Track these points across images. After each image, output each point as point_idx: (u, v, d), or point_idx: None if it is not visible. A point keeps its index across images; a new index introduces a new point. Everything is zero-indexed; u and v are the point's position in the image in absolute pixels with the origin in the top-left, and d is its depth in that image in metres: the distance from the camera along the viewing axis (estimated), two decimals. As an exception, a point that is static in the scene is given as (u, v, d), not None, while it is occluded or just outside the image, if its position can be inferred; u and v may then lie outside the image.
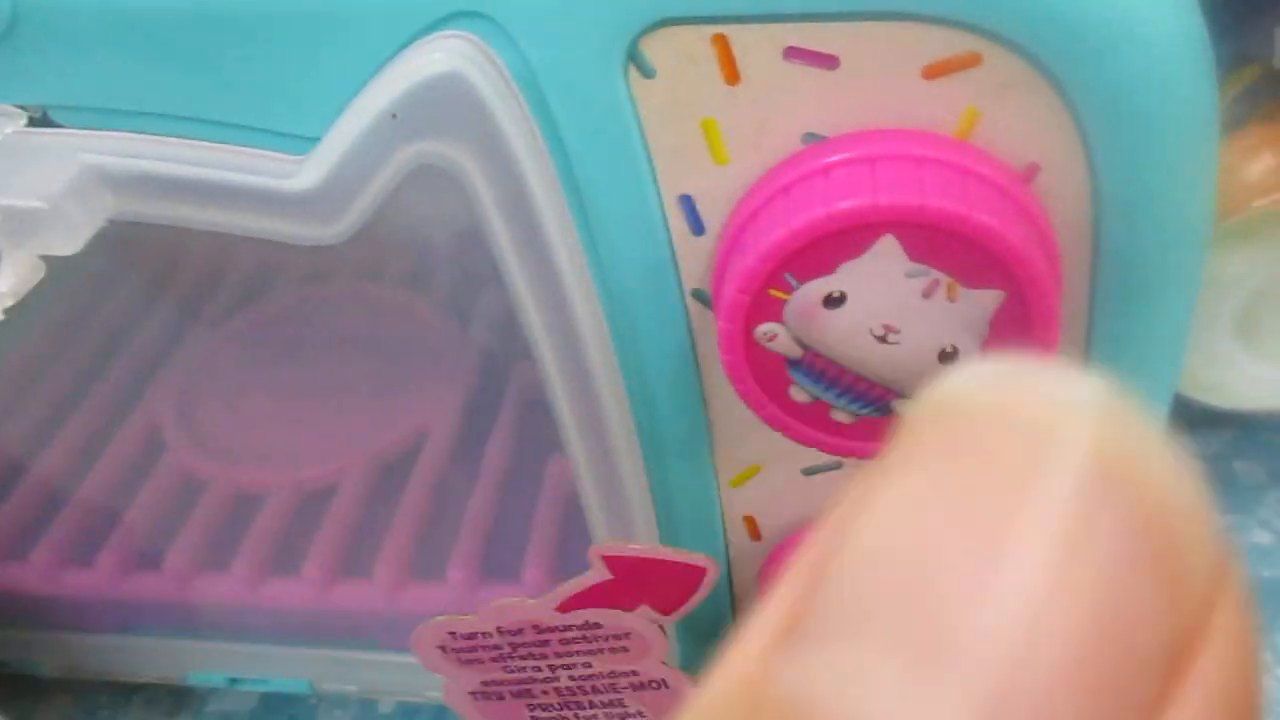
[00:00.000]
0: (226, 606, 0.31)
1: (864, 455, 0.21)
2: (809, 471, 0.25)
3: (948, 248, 0.18)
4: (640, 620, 0.21)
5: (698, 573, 0.20)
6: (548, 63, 0.19)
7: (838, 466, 0.24)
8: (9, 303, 0.20)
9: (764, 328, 0.20)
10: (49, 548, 0.32)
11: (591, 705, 0.23)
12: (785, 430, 0.21)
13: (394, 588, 0.30)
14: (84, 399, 0.36)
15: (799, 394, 0.20)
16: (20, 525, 0.33)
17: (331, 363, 0.37)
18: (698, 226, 0.21)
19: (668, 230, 0.21)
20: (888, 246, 0.19)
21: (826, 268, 0.19)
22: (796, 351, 0.20)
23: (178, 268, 0.40)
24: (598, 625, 0.21)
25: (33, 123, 0.21)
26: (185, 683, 0.33)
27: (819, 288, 0.19)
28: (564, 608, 0.21)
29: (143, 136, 0.20)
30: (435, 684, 0.31)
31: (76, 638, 0.33)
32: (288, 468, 0.33)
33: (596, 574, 0.20)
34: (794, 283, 0.19)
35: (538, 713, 0.24)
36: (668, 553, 0.19)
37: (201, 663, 0.33)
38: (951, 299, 0.19)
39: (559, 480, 0.31)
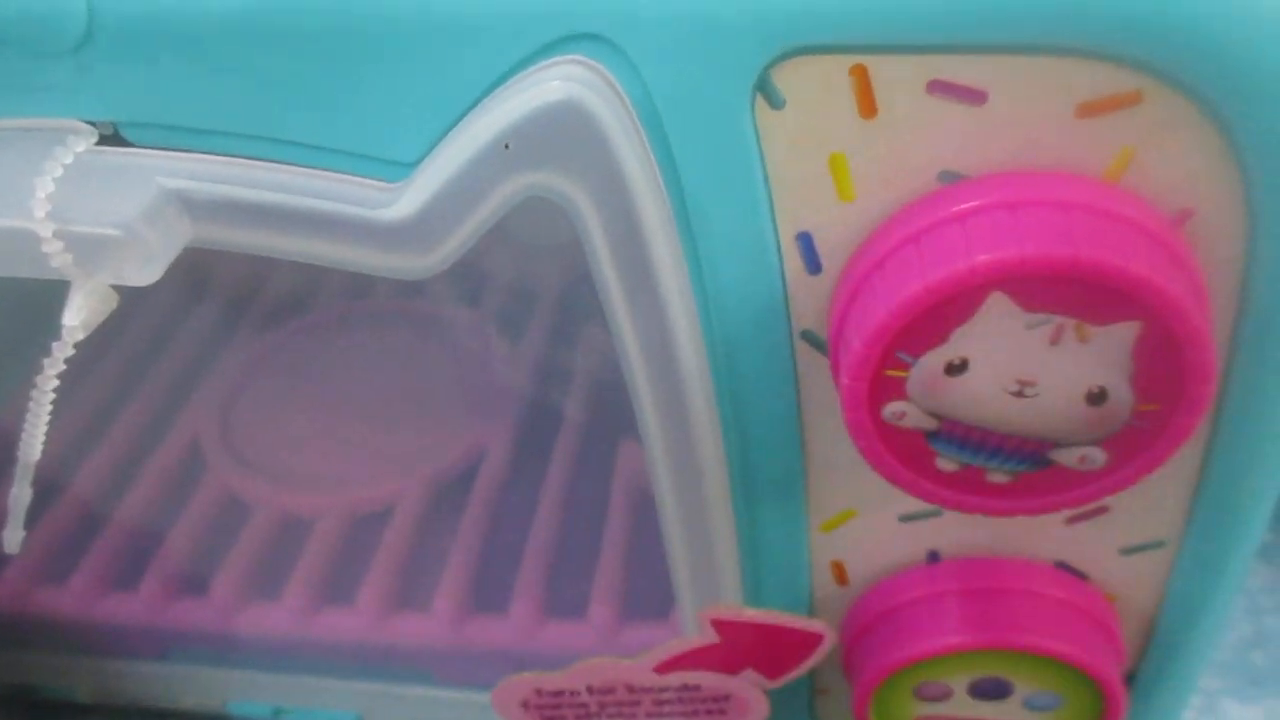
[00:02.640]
0: (274, 636, 0.30)
1: (1035, 513, 0.19)
2: (906, 518, 0.23)
3: (1060, 292, 0.17)
4: (743, 683, 0.19)
5: (813, 640, 0.18)
6: (670, 91, 0.17)
7: (937, 513, 0.23)
8: (80, 336, 0.18)
9: (891, 408, 0.18)
10: (88, 571, 0.31)
11: (678, 766, 0.22)
12: (943, 503, 0.19)
13: (455, 620, 0.28)
14: (117, 415, 0.35)
15: (947, 464, 0.19)
16: (57, 547, 0.31)
17: (376, 379, 0.36)
18: (814, 265, 0.19)
19: (782, 269, 0.19)
20: (998, 304, 0.17)
21: (938, 339, 0.18)
22: (932, 424, 0.19)
23: (213, 276, 0.39)
24: (696, 687, 0.20)
25: (103, 140, 0.19)
26: (224, 711, 0.32)
27: (936, 358, 0.18)
28: (662, 669, 0.19)
29: (224, 159, 0.19)
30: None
31: (114, 663, 0.32)
32: (338, 490, 0.32)
33: (702, 637, 0.19)
34: (908, 359, 0.18)
35: (618, 769, 0.22)
36: (781, 619, 0.18)
37: (244, 692, 0.31)
38: (1082, 340, 0.18)
39: (623, 509, 0.30)
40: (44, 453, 0.32)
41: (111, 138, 0.20)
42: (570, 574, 0.29)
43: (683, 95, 0.17)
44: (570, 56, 0.17)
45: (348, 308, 0.38)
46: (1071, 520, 0.23)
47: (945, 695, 0.24)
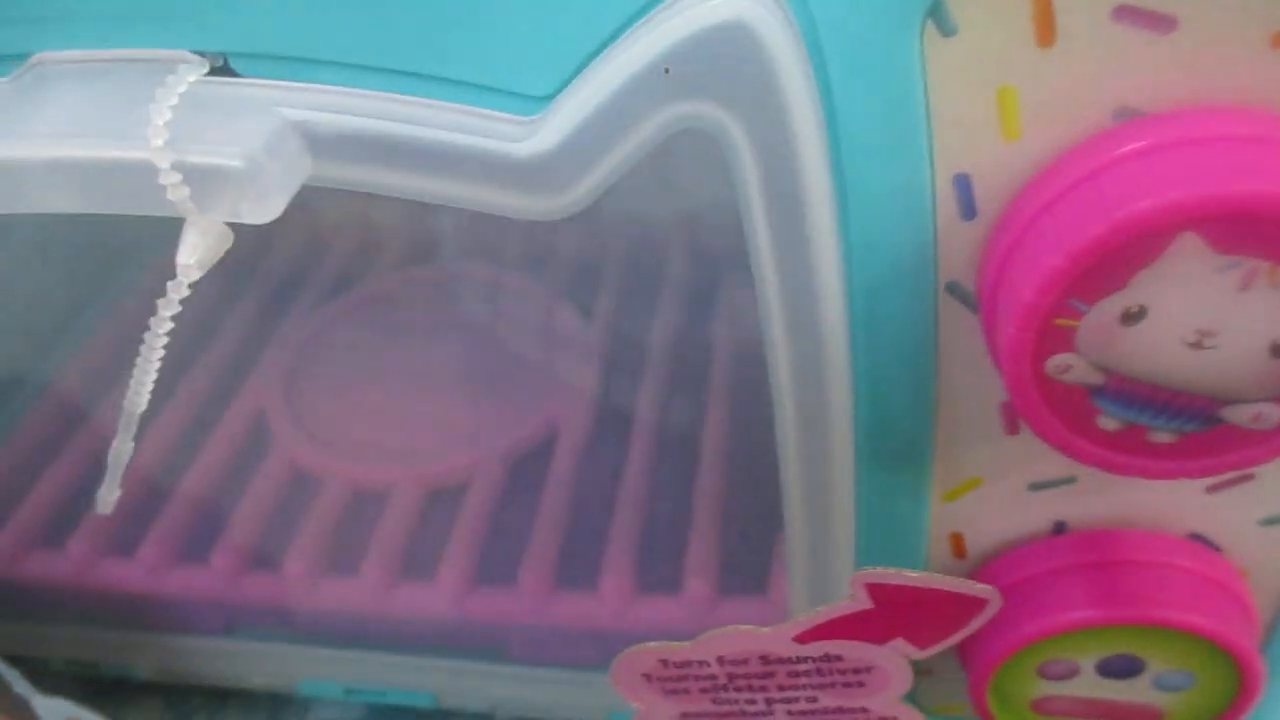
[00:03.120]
0: (349, 612, 0.29)
1: (1197, 475, 0.18)
2: (1036, 486, 0.22)
3: (1261, 232, 0.16)
4: (888, 653, 0.18)
5: (976, 605, 0.17)
6: (835, 14, 0.16)
7: (1070, 481, 0.22)
8: (195, 276, 0.17)
9: (1055, 360, 0.17)
10: (154, 544, 0.29)
11: (803, 741, 0.21)
12: (1099, 464, 0.18)
13: (540, 597, 0.27)
14: (178, 386, 0.34)
15: (1108, 422, 0.18)
16: (123, 519, 0.30)
17: (440, 350, 0.35)
18: (969, 211, 0.18)
19: (934, 213, 0.18)
20: (1188, 245, 0.16)
21: (1118, 284, 0.17)
22: (1098, 378, 0.17)
23: (272, 243, 0.38)
24: (838, 658, 0.19)
25: (214, 72, 0.18)
26: (294, 691, 0.31)
27: (1113, 306, 0.17)
28: (804, 638, 0.18)
29: (345, 90, 0.18)
30: (579, 705, 0.29)
31: (178, 640, 0.30)
32: (410, 464, 0.31)
33: (855, 603, 0.17)
34: (1082, 307, 0.17)
35: (738, 748, 0.21)
36: (943, 582, 0.17)
37: (314, 670, 0.30)
38: (1275, 285, 0.16)
39: (711, 482, 0.29)
40: (104, 420, 0.31)
41: (222, 69, 0.18)
42: (660, 549, 0.28)
43: (849, 19, 0.16)
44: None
45: (409, 276, 0.37)
46: (1212, 489, 0.22)
47: (1071, 674, 0.23)
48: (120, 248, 0.35)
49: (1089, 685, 0.23)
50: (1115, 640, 0.22)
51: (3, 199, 0.18)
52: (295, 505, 0.30)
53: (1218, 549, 0.23)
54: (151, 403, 0.33)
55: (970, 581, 0.17)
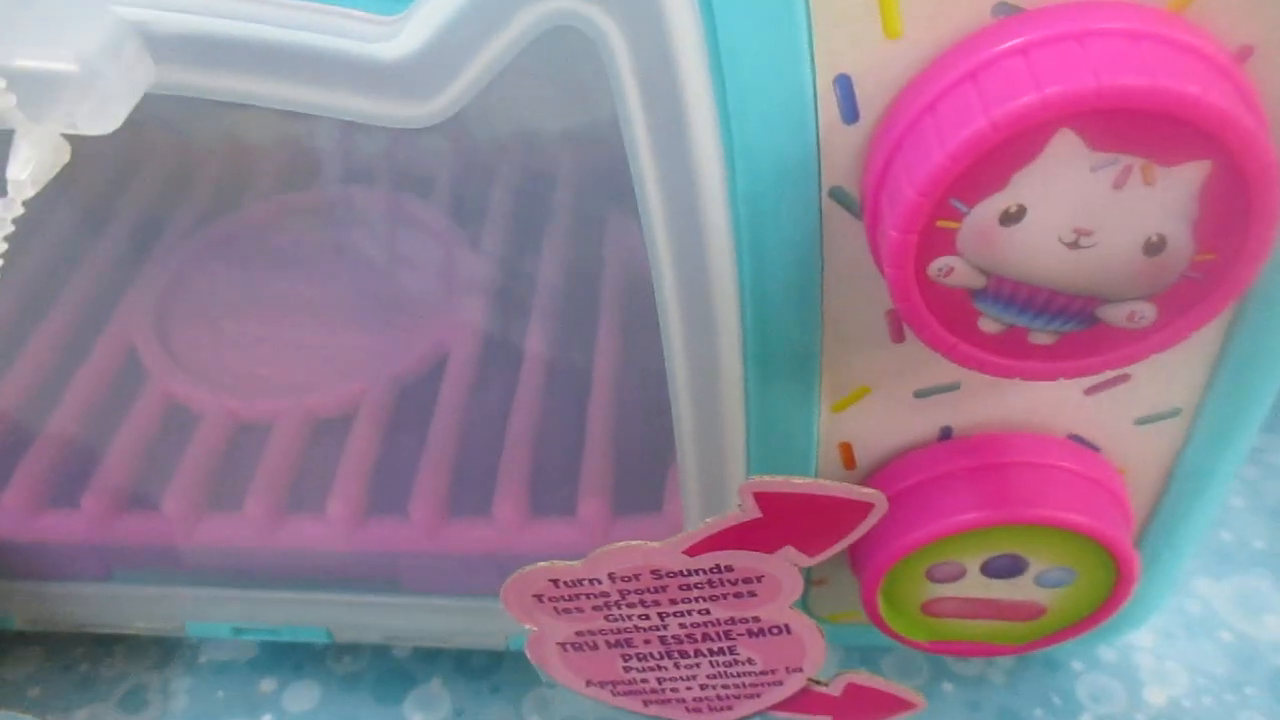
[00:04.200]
0: (235, 549, 0.28)
1: (1076, 374, 0.18)
2: (922, 394, 0.23)
3: (1137, 128, 0.16)
4: (778, 562, 0.18)
5: (862, 509, 0.17)
6: (707, -96, 0.16)
7: (954, 387, 0.22)
8: (29, 193, 0.16)
9: (938, 263, 0.17)
10: (21, 488, 0.28)
11: (697, 654, 0.21)
12: (981, 367, 0.18)
13: (432, 525, 0.27)
14: (44, 321, 0.32)
15: (989, 325, 0.18)
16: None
17: (319, 279, 0.33)
18: (851, 113, 0.18)
19: (816, 117, 0.18)
20: (1065, 143, 0.16)
21: (997, 184, 0.16)
22: (979, 280, 0.17)
23: (139, 166, 0.36)
24: (729, 569, 0.19)
25: (41, -31, 0.17)
26: (183, 634, 0.30)
27: (992, 207, 0.17)
28: (694, 550, 0.18)
29: (189, -11, 0.17)
30: (477, 631, 0.28)
31: (54, 587, 0.29)
32: (292, 395, 0.30)
33: (743, 513, 0.17)
34: (963, 208, 0.17)
35: (633, 663, 0.21)
36: (832, 488, 0.17)
37: (201, 612, 0.29)
38: (1148, 183, 0.17)
39: (603, 405, 0.29)
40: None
41: (50, -32, 0.17)
42: (553, 473, 0.27)
43: (720, -90, 0.16)
44: None
45: (283, 201, 0.35)
46: (1090, 390, 0.22)
47: (958, 575, 0.24)
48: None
49: (975, 586, 0.24)
50: (999, 541, 0.23)
51: None
52: (173, 443, 0.29)
53: (1096, 449, 0.23)
54: (14, 338, 0.32)
55: (856, 486, 0.17)
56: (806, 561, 0.18)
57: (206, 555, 0.28)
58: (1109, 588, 0.24)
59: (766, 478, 0.17)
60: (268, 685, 0.31)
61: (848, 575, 0.25)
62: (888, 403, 0.23)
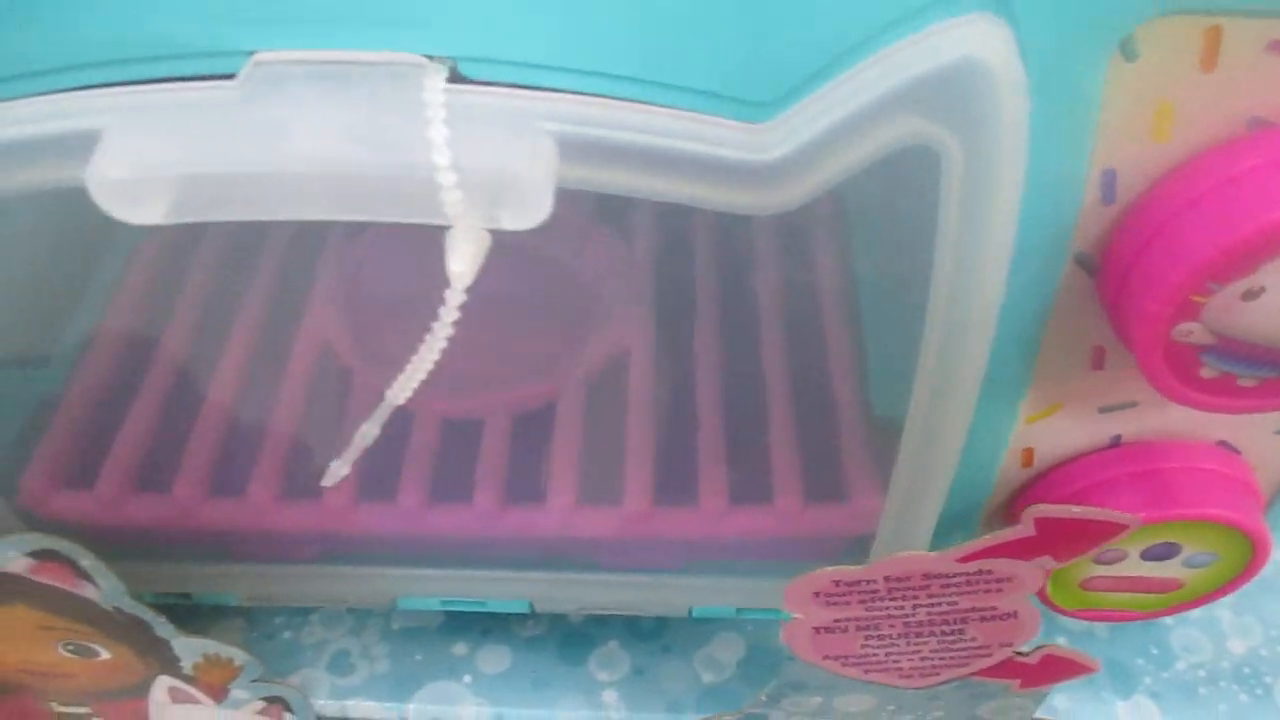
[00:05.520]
0: (453, 536, 0.31)
1: (1273, 410, 0.22)
2: (1105, 409, 0.26)
3: None
4: (1031, 567, 0.22)
5: (1118, 529, 0.21)
6: (1045, 44, 0.19)
7: (1133, 405, 0.26)
8: (468, 282, 0.19)
9: (1182, 327, 0.21)
10: (259, 483, 0.31)
11: (930, 634, 0.25)
12: (1192, 404, 0.22)
13: (642, 515, 0.30)
14: (234, 323, 0.34)
15: (1208, 372, 0.22)
16: (223, 463, 0.31)
17: (499, 277, 0.36)
18: (1109, 198, 0.21)
19: (1082, 199, 0.21)
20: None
21: (1247, 270, 0.20)
22: (1209, 340, 0.21)
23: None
24: (989, 571, 0.22)
25: (450, 78, 0.19)
26: (395, 608, 0.33)
27: (1238, 286, 0.20)
28: (967, 559, 0.22)
29: (585, 98, 0.19)
30: (665, 603, 0.32)
31: (275, 568, 0.32)
32: (494, 392, 0.33)
33: (1020, 530, 0.21)
34: (1215, 287, 0.20)
35: (871, 643, 0.25)
36: (1100, 514, 0.21)
37: (410, 589, 0.32)
38: None
39: (781, 404, 0.32)
40: (184, 371, 0.32)
41: (453, 75, 0.19)
42: (747, 463, 0.31)
43: (1051, 48, 0.19)
44: (972, 15, 0.18)
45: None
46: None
47: (1120, 559, 0.28)
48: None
49: (1132, 567, 0.28)
50: (1161, 532, 0.27)
51: (260, 208, 0.19)
52: (391, 437, 0.32)
53: (1238, 452, 0.28)
54: (217, 338, 0.34)
55: (1119, 512, 0.21)
56: (1056, 566, 0.22)
57: (432, 542, 0.31)
58: (1243, 567, 0.28)
59: (1049, 505, 0.21)
60: (460, 649, 0.34)
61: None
62: (1075, 417, 0.27)
